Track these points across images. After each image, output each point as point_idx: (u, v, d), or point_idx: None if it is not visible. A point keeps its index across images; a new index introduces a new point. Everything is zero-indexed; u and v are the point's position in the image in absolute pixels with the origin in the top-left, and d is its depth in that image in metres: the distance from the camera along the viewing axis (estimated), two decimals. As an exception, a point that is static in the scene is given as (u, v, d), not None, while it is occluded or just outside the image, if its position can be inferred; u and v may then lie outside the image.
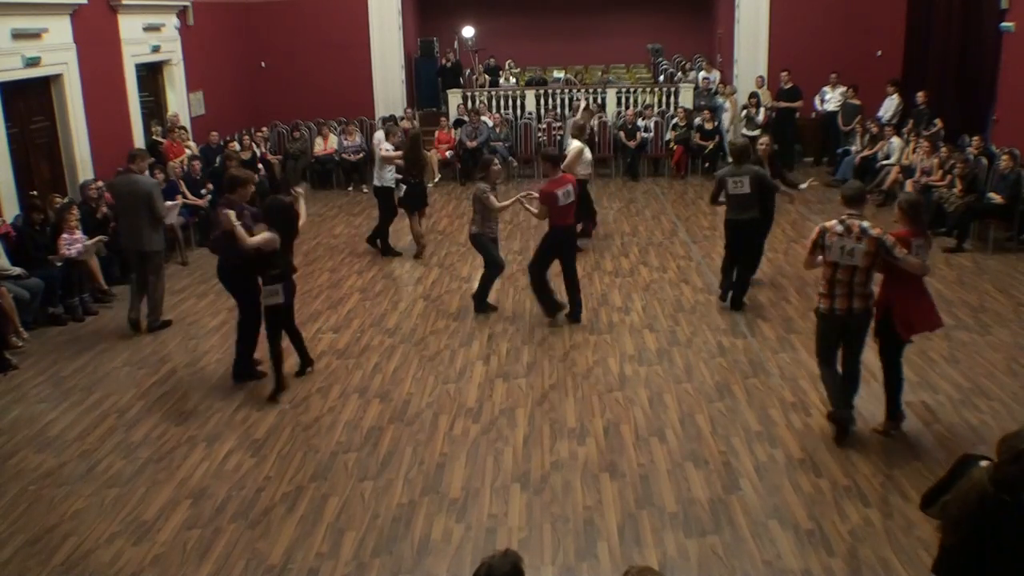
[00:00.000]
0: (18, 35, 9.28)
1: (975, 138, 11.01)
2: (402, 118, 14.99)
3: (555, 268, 8.00)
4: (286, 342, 6.86)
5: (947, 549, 3.35)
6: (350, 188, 14.56)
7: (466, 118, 15.04)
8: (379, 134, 14.25)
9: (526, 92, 16.20)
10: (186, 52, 13.44)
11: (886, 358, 5.83)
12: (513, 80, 18.78)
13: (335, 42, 16.06)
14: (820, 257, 5.69)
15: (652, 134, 14.92)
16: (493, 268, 8.36)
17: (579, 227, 9.05)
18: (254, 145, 13.54)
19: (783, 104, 14.64)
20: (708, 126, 14.43)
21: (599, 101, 15.58)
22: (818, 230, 5.67)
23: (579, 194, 8.36)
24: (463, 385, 6.88)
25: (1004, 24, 11.33)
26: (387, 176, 10.30)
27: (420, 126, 14.68)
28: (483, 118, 14.86)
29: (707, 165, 14.63)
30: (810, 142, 15.15)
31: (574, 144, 10.09)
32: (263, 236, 6.42)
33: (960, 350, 7.24)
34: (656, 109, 15.37)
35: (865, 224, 5.52)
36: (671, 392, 6.64)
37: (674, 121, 14.78)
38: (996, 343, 7.39)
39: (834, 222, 5.60)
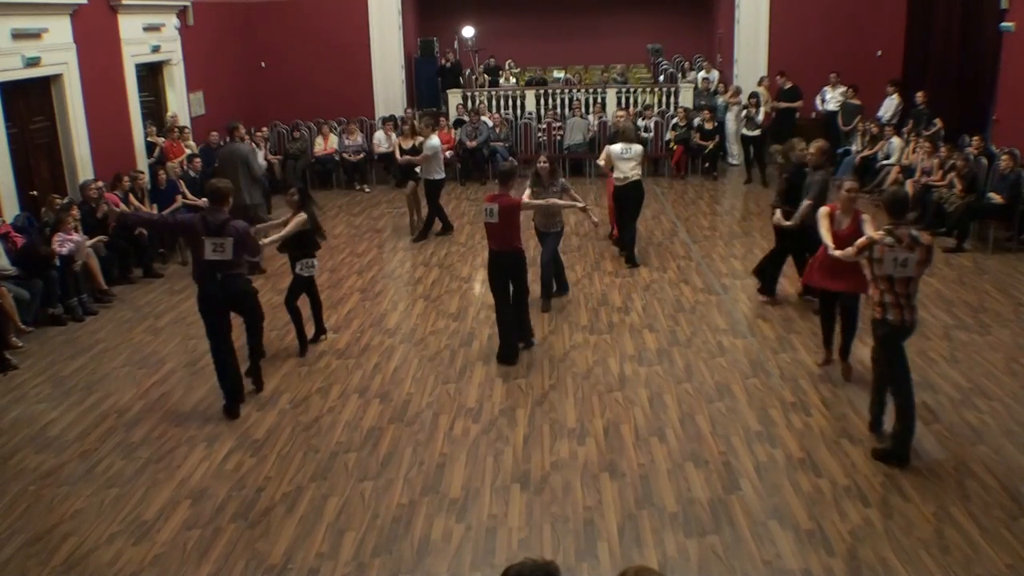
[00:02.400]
0: (18, 35, 9.27)
1: (975, 138, 11.01)
2: (402, 118, 14.98)
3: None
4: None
5: None
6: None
7: (466, 118, 15.04)
8: (379, 134, 14.34)
9: (526, 92, 16.19)
10: (186, 52, 13.44)
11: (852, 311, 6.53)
12: (513, 80, 18.78)
13: (335, 42, 16.05)
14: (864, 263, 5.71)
15: (652, 134, 14.90)
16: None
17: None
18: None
19: (783, 105, 14.64)
20: (708, 126, 14.42)
21: (599, 101, 15.57)
22: (866, 240, 5.50)
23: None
24: (463, 385, 6.88)
25: (1004, 24, 11.33)
26: (436, 168, 10.86)
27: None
28: (483, 118, 14.86)
29: (707, 165, 14.62)
30: (810, 142, 15.11)
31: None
32: (296, 221, 7.19)
33: (960, 350, 7.24)
34: (656, 109, 15.37)
35: (914, 232, 5.39)
36: (671, 392, 6.64)
37: (674, 121, 14.78)
38: (996, 343, 7.39)
39: (881, 233, 5.40)
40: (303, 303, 7.61)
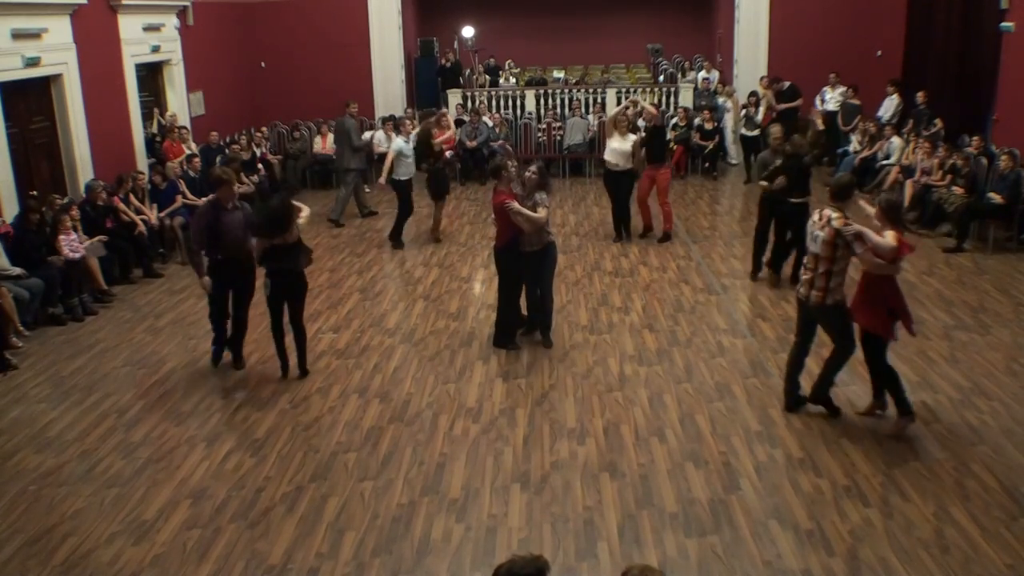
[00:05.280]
0: (18, 35, 9.27)
1: (975, 138, 11.00)
2: (402, 118, 14.97)
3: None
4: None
5: None
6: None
7: (466, 118, 15.04)
8: (379, 134, 14.33)
9: (526, 92, 16.20)
10: (186, 52, 13.44)
11: (867, 354, 5.89)
12: (513, 80, 18.78)
13: (335, 42, 16.06)
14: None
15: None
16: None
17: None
18: (254, 145, 13.53)
19: (784, 106, 14.65)
20: (708, 126, 14.42)
21: (599, 101, 15.56)
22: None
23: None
24: (463, 385, 6.88)
25: (1004, 24, 11.32)
26: (402, 170, 10.75)
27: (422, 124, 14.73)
28: (483, 118, 14.86)
29: (707, 165, 14.63)
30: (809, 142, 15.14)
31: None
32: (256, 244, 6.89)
33: (960, 350, 7.24)
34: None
35: (833, 214, 5.68)
36: (671, 392, 6.64)
37: (674, 121, 14.76)
38: (996, 343, 7.39)
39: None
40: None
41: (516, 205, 7.06)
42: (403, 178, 10.78)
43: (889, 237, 5.57)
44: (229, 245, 6.90)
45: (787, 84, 14.69)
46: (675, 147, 14.51)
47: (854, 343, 5.95)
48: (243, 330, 7.33)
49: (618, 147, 10.34)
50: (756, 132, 14.06)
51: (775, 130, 9.26)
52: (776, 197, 8.69)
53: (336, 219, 12.13)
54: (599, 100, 15.60)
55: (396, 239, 10.95)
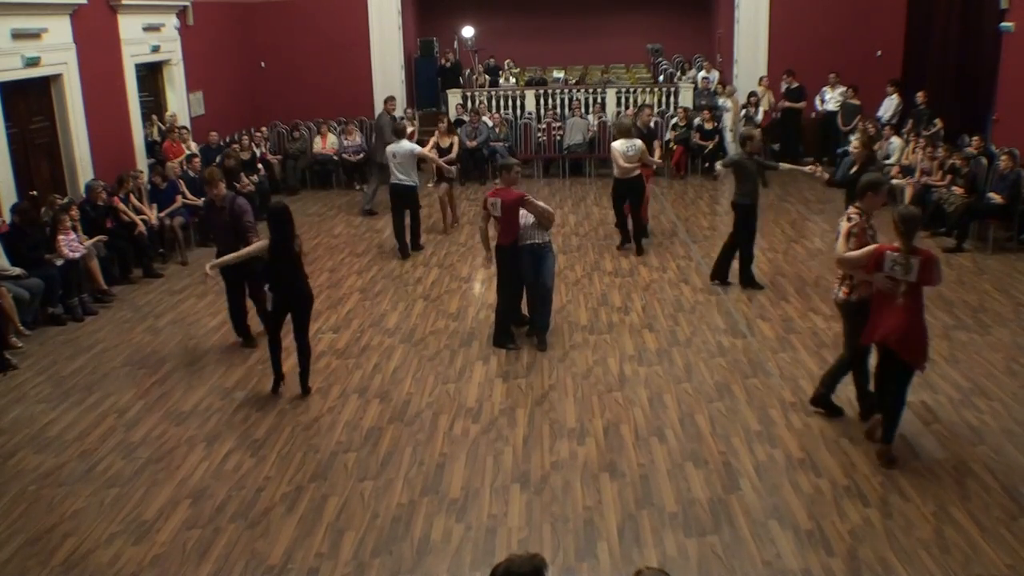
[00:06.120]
0: (18, 35, 9.27)
1: (975, 138, 11.00)
2: (402, 118, 14.97)
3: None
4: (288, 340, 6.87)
5: None
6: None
7: (466, 118, 15.03)
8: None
9: (526, 92, 16.20)
10: (186, 52, 13.44)
11: (893, 380, 5.53)
12: (513, 80, 18.78)
13: (335, 42, 16.06)
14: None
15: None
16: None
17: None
18: (253, 145, 13.53)
19: (787, 104, 14.65)
20: (708, 126, 14.42)
21: (599, 101, 15.56)
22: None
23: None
24: (463, 385, 6.88)
25: (1004, 24, 11.32)
26: (413, 174, 10.41)
27: (420, 126, 14.73)
28: (483, 118, 14.85)
29: (707, 165, 14.61)
30: (810, 142, 15.16)
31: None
32: (254, 246, 6.65)
33: (960, 350, 7.24)
34: (656, 109, 15.35)
35: (850, 209, 5.80)
36: (671, 392, 6.64)
37: (674, 121, 14.77)
38: (996, 343, 7.39)
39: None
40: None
41: (533, 198, 7.27)
42: (413, 183, 10.36)
43: (865, 247, 5.46)
44: (218, 238, 7.81)
45: (796, 84, 14.69)
46: (675, 147, 14.56)
47: (856, 352, 5.89)
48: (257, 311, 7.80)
49: None
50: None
51: (756, 135, 8.95)
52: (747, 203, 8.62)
53: (369, 209, 12.73)
54: (599, 100, 15.60)
55: (415, 244, 10.66)
